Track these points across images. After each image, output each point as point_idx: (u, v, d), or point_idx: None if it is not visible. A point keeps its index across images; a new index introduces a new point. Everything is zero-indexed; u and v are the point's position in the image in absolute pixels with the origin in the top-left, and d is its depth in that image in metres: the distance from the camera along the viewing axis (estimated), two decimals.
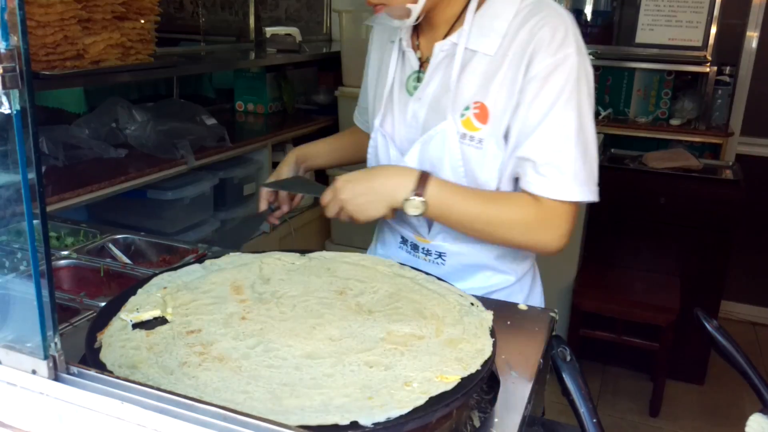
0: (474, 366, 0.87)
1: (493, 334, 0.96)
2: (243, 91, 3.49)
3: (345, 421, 0.73)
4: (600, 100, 3.88)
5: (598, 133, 3.78)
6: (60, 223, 1.64)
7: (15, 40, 0.64)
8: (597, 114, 3.77)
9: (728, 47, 3.54)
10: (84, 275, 1.42)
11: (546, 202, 1.16)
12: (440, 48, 1.21)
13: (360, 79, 1.53)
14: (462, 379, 0.84)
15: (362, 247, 1.54)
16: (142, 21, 2.40)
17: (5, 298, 0.77)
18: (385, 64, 1.33)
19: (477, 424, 0.90)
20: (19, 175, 0.68)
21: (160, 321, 0.96)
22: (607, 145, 3.61)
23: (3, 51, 0.64)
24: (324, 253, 1.24)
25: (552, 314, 1.21)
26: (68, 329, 1.13)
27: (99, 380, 0.71)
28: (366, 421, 0.74)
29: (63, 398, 0.70)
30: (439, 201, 1.17)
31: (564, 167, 1.14)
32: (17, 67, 0.65)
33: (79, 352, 0.92)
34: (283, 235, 2.97)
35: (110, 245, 1.54)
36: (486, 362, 0.88)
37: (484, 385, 0.95)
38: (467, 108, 1.19)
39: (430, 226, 1.31)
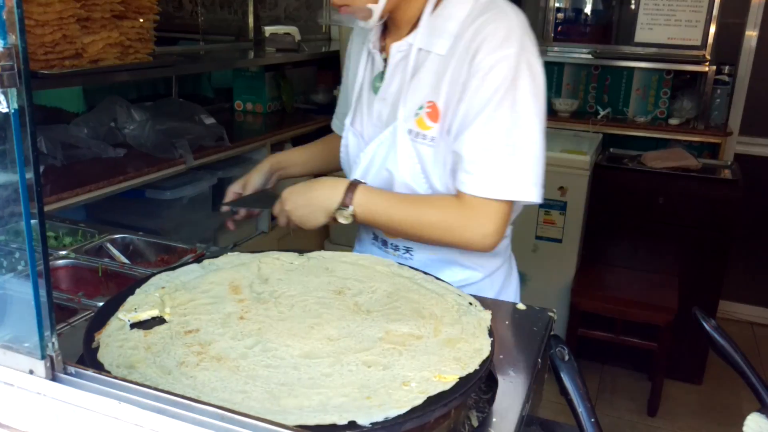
0: (472, 366, 0.87)
1: (491, 333, 0.96)
2: (242, 90, 3.49)
3: (343, 421, 0.73)
4: (599, 99, 3.88)
5: (597, 132, 3.79)
6: (58, 223, 1.63)
7: (13, 38, 0.64)
8: (596, 113, 3.77)
9: (727, 47, 3.54)
10: (82, 275, 1.42)
11: (469, 201, 1.17)
12: (397, 48, 1.25)
13: None
14: (460, 378, 0.84)
15: None
16: (141, 20, 2.40)
17: (3, 298, 0.77)
18: (357, 66, 1.38)
19: (475, 423, 0.90)
20: (17, 175, 0.68)
21: (158, 321, 0.96)
22: (605, 144, 3.61)
23: (1, 49, 0.64)
24: (322, 253, 1.24)
25: (550, 314, 1.21)
26: (66, 329, 1.13)
27: (96, 380, 0.71)
28: (364, 420, 0.74)
29: (60, 398, 0.70)
30: (366, 209, 1.22)
31: (489, 165, 1.15)
32: (15, 66, 0.64)
33: (77, 352, 0.92)
34: (281, 234, 2.97)
35: (108, 245, 1.54)
36: (484, 362, 0.88)
37: (482, 384, 0.95)
38: (421, 107, 1.22)
39: None
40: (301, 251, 1.24)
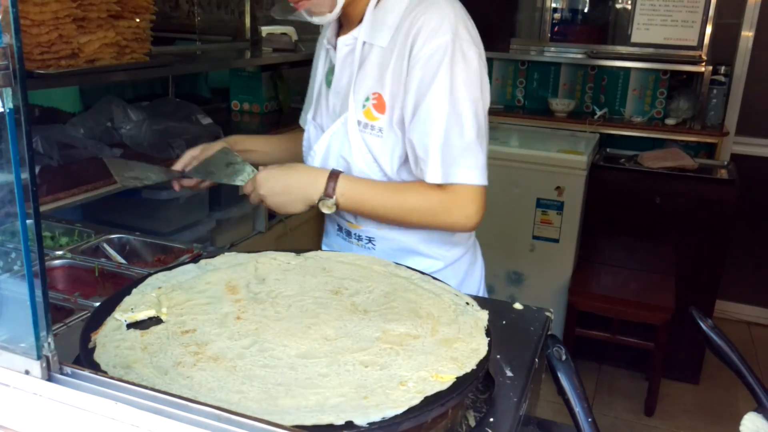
0: (469, 365, 0.87)
1: (488, 333, 0.96)
2: (239, 90, 3.48)
3: (340, 421, 0.73)
4: (596, 99, 3.89)
5: (594, 132, 3.80)
6: (54, 223, 1.63)
7: (8, 38, 0.64)
8: (592, 113, 3.78)
9: (723, 47, 3.55)
10: (78, 275, 1.42)
11: (448, 187, 1.21)
12: (344, 42, 1.30)
13: None
14: (457, 378, 0.84)
15: None
16: (138, 20, 2.39)
17: None
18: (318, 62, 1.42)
19: (472, 423, 0.90)
20: (12, 175, 0.68)
21: (155, 321, 0.96)
22: (602, 144, 3.62)
23: None
24: (320, 253, 1.24)
25: (547, 314, 1.21)
26: (62, 329, 1.12)
27: (93, 380, 0.71)
28: (361, 420, 0.74)
29: (57, 399, 0.70)
30: (350, 198, 1.25)
31: (434, 152, 1.19)
32: (10, 65, 0.64)
33: (73, 353, 0.92)
34: (278, 234, 2.96)
35: (105, 245, 1.53)
36: (481, 362, 0.88)
37: (479, 384, 0.95)
38: (367, 99, 1.26)
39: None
40: (298, 251, 1.23)
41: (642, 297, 2.99)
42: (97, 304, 1.04)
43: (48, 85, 2.28)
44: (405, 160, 1.28)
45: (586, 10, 4.25)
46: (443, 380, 0.83)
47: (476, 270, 1.47)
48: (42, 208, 1.84)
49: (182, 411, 0.66)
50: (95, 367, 0.82)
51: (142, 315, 0.97)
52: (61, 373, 0.72)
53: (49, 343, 0.71)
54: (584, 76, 3.89)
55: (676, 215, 3.14)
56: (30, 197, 0.68)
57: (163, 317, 0.97)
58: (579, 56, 3.89)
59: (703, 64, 3.47)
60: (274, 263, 1.17)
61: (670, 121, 3.63)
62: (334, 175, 1.25)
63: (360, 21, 1.27)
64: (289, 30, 3.59)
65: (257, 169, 1.34)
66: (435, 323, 0.98)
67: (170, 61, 2.75)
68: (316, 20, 1.25)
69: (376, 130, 1.26)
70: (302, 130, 1.58)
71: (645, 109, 3.78)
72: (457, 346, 0.91)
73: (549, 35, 4.04)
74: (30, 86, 1.95)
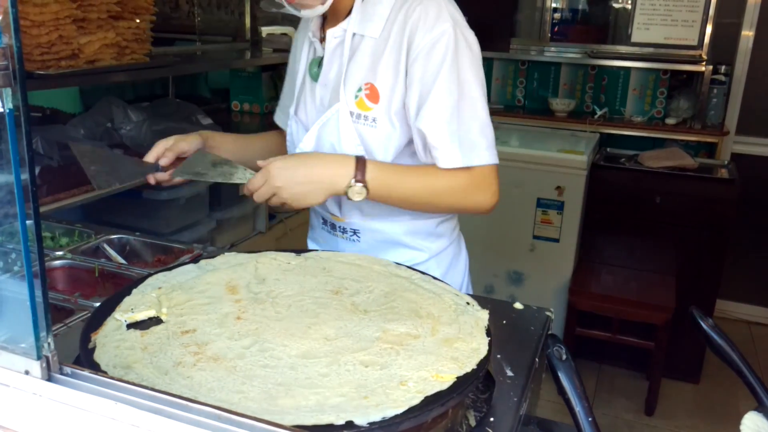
0: (470, 365, 0.87)
1: (488, 333, 0.96)
2: (239, 90, 3.49)
3: (340, 421, 0.73)
4: (596, 99, 3.88)
5: (594, 132, 3.80)
6: (55, 224, 1.63)
7: (8, 38, 0.64)
8: (593, 113, 3.78)
9: (723, 46, 3.55)
10: (78, 275, 1.42)
11: (468, 168, 1.22)
12: (333, 34, 1.30)
13: None
14: (458, 378, 0.84)
15: None
16: (138, 20, 2.39)
17: None
18: (300, 57, 1.41)
19: (473, 423, 0.90)
20: (12, 175, 0.68)
21: (155, 321, 0.96)
22: (602, 144, 3.62)
23: None
24: (320, 253, 1.24)
25: (548, 313, 1.21)
26: (62, 329, 1.12)
27: (92, 380, 0.71)
28: (361, 420, 0.74)
29: (57, 399, 0.70)
30: (380, 183, 1.21)
31: (448, 137, 1.20)
32: (10, 66, 0.64)
33: (73, 353, 0.92)
34: (279, 234, 2.96)
35: (105, 245, 1.53)
36: (482, 361, 0.88)
37: (479, 384, 0.95)
38: (360, 89, 1.26)
39: (340, 205, 1.37)
40: (298, 251, 1.23)
41: (642, 296, 2.99)
42: (97, 304, 1.04)
43: (48, 86, 2.28)
44: (401, 151, 1.28)
45: (586, 10, 4.25)
46: (443, 380, 0.83)
47: (460, 262, 1.48)
48: (42, 209, 1.84)
49: (182, 411, 0.66)
50: (95, 368, 0.82)
51: (142, 315, 0.97)
52: (61, 374, 0.72)
53: (49, 344, 0.71)
54: (584, 76, 3.89)
55: (676, 215, 3.14)
56: (30, 198, 0.68)
57: (163, 317, 0.97)
58: (579, 56, 3.89)
59: (704, 63, 3.47)
60: (274, 263, 1.17)
61: (670, 121, 3.63)
62: (360, 160, 1.21)
63: (347, 13, 1.28)
64: (289, 30, 3.58)
65: (251, 170, 1.27)
66: (435, 323, 0.98)
67: (170, 62, 2.74)
68: (305, 14, 1.25)
69: (369, 121, 1.26)
70: (274, 132, 1.58)
71: (645, 109, 3.78)
72: (457, 346, 0.91)
73: (549, 35, 4.04)
74: (30, 87, 1.95)
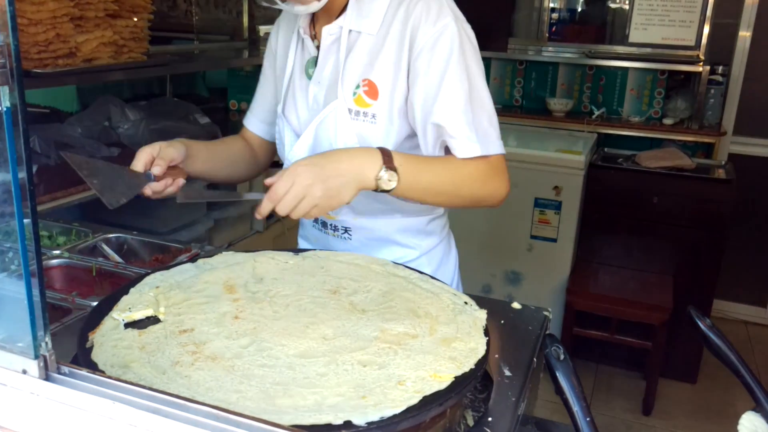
0: (468, 365, 0.87)
1: (486, 332, 0.96)
2: (236, 89, 3.48)
3: (338, 421, 0.73)
4: (593, 99, 3.89)
5: (591, 132, 3.80)
6: (52, 222, 1.63)
7: (5, 36, 0.64)
8: (590, 113, 3.78)
9: (721, 47, 3.56)
10: (76, 274, 1.41)
11: (483, 157, 1.21)
12: (328, 32, 1.28)
13: None
14: (456, 378, 0.83)
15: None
16: (135, 19, 2.39)
17: None
18: (286, 54, 1.38)
19: (471, 423, 0.90)
20: (9, 174, 0.67)
21: (153, 320, 0.96)
22: (600, 144, 3.62)
23: None
24: (318, 252, 1.24)
25: (545, 313, 1.21)
26: (60, 329, 1.12)
27: (90, 380, 0.71)
28: (359, 420, 0.74)
29: (54, 398, 0.70)
30: (408, 170, 1.15)
31: (465, 127, 1.20)
32: (7, 64, 0.64)
33: (70, 352, 0.92)
34: (276, 234, 2.96)
35: (102, 244, 1.53)
36: (480, 361, 0.88)
37: (477, 384, 0.95)
38: (357, 86, 1.25)
39: None
40: (296, 250, 1.23)
41: (640, 296, 2.99)
42: (95, 303, 1.03)
43: (45, 84, 2.28)
44: (398, 147, 1.26)
45: (583, 10, 4.25)
46: (441, 380, 0.83)
47: (450, 259, 1.48)
48: (39, 208, 1.84)
49: (180, 410, 0.66)
50: (93, 367, 0.82)
51: (139, 314, 0.97)
52: (59, 373, 0.72)
53: (46, 343, 0.70)
54: (582, 76, 3.89)
55: (673, 215, 3.14)
56: (27, 196, 0.67)
57: (160, 317, 0.97)
58: (577, 56, 3.89)
59: (701, 63, 3.47)
60: (272, 262, 1.17)
61: (667, 121, 3.63)
62: (383, 149, 1.16)
63: (340, 10, 1.27)
64: None
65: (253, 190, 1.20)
66: (433, 322, 0.98)
67: (168, 61, 2.74)
68: (298, 10, 1.23)
69: (369, 117, 1.25)
70: (235, 137, 1.51)
71: (643, 109, 3.79)
72: (455, 346, 0.91)
73: (547, 35, 4.04)
74: (27, 85, 1.94)
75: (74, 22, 2.12)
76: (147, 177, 1.20)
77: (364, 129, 1.26)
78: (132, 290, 1.04)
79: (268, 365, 0.85)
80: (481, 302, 1.07)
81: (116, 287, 1.07)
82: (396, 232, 1.37)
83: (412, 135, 1.26)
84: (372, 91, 1.25)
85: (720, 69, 3.49)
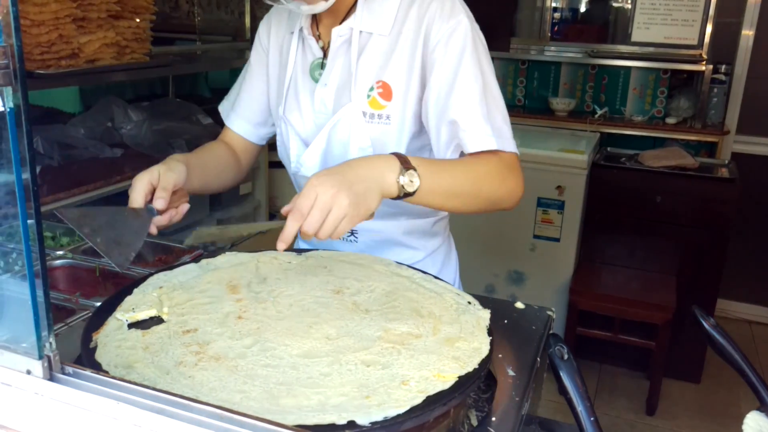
0: (471, 364, 0.87)
1: (490, 332, 0.96)
2: None
3: (342, 421, 0.73)
4: (596, 98, 3.88)
5: (594, 131, 3.79)
6: (55, 223, 1.63)
7: (8, 37, 0.64)
8: (593, 112, 3.78)
9: (724, 46, 3.55)
10: (79, 275, 1.42)
11: (498, 153, 1.18)
12: (338, 33, 1.26)
13: None
14: (459, 377, 0.83)
15: None
16: (138, 20, 2.39)
17: (0, 299, 0.76)
18: (286, 56, 1.34)
19: (474, 422, 0.90)
20: (13, 175, 0.67)
21: (156, 321, 0.96)
22: (603, 143, 3.62)
23: None
24: (321, 252, 1.24)
25: (549, 313, 1.21)
26: (64, 329, 1.12)
27: (94, 380, 0.71)
28: (363, 420, 0.74)
29: (58, 398, 0.70)
30: (427, 170, 1.08)
31: (481, 121, 1.17)
32: (10, 65, 0.64)
33: (74, 352, 0.92)
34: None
35: None
36: (483, 361, 0.88)
37: (481, 383, 0.95)
38: (371, 89, 1.24)
39: None
40: (299, 250, 1.23)
41: (643, 296, 2.99)
42: (99, 303, 1.03)
43: (48, 85, 2.28)
44: (412, 152, 1.24)
45: (586, 10, 4.25)
46: (445, 379, 0.83)
47: (452, 259, 1.49)
48: (42, 209, 1.84)
49: (184, 411, 0.66)
50: (97, 367, 0.82)
51: (143, 315, 0.97)
52: (63, 373, 0.72)
53: (50, 343, 0.70)
54: (585, 76, 3.89)
55: (677, 214, 3.14)
56: (31, 197, 0.68)
57: (164, 317, 0.97)
58: (579, 55, 3.89)
59: (704, 62, 3.47)
60: (275, 263, 1.17)
61: (670, 120, 3.62)
62: (397, 154, 1.09)
63: (347, 11, 1.25)
64: None
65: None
66: (437, 322, 0.97)
67: (170, 61, 2.75)
68: (305, 9, 1.20)
69: (384, 119, 1.23)
70: (217, 144, 1.43)
71: (645, 108, 3.78)
72: (458, 345, 0.91)
73: (549, 34, 4.04)
74: (30, 86, 1.95)
75: (77, 23, 2.12)
76: (149, 213, 1.10)
77: (379, 130, 1.24)
78: (135, 291, 1.05)
79: (272, 365, 0.85)
80: (484, 302, 1.07)
81: (120, 288, 1.08)
82: (402, 234, 1.36)
83: (420, 134, 1.25)
84: (386, 92, 1.23)
85: (723, 68, 3.48)
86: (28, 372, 0.71)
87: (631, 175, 3.21)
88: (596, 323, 3.04)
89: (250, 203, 3.02)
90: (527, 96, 4.04)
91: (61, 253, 1.44)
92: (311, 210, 0.97)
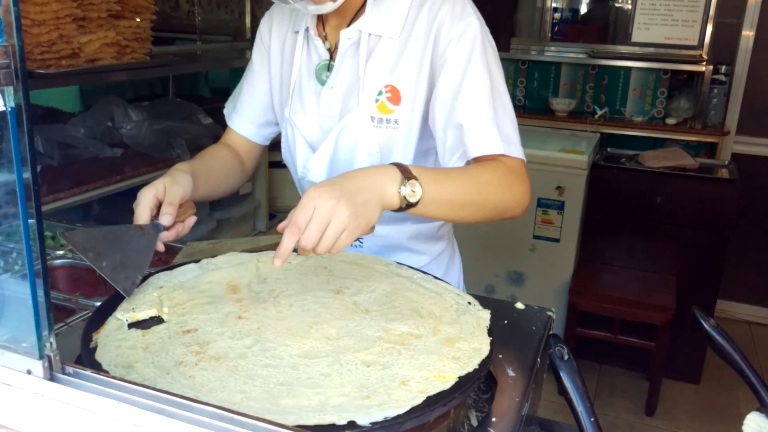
0: (471, 365, 0.87)
1: (490, 333, 0.96)
2: None
3: (342, 421, 0.73)
4: (596, 99, 3.88)
5: (594, 131, 3.79)
6: (55, 223, 1.63)
7: (9, 37, 0.64)
8: (593, 113, 3.78)
9: (724, 46, 3.55)
10: (80, 275, 1.42)
11: (504, 159, 1.16)
12: (346, 35, 1.23)
13: None
14: (459, 378, 0.83)
15: None
16: (138, 19, 2.39)
17: (0, 298, 0.76)
18: (289, 55, 1.32)
19: (474, 423, 0.90)
20: (14, 174, 0.67)
21: (156, 321, 0.96)
22: (603, 144, 3.62)
23: None
24: None
25: (549, 313, 1.21)
26: (64, 329, 1.12)
27: (95, 380, 0.71)
28: (363, 420, 0.74)
29: (58, 398, 0.70)
30: (429, 179, 1.03)
31: (487, 125, 1.15)
32: (12, 65, 0.64)
33: (75, 352, 0.92)
34: (279, 234, 2.96)
35: None
36: (483, 361, 0.88)
37: (481, 384, 0.95)
38: (380, 93, 1.22)
39: None
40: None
41: (643, 297, 2.99)
42: (99, 303, 1.03)
43: (48, 85, 2.28)
44: (418, 155, 1.23)
45: (586, 10, 4.25)
46: (445, 380, 0.83)
47: (456, 261, 1.48)
48: (43, 208, 1.84)
49: (184, 411, 0.66)
50: (97, 367, 0.82)
51: (143, 315, 0.97)
52: (63, 373, 0.72)
53: (51, 343, 0.70)
54: (585, 76, 3.89)
55: (676, 215, 3.14)
56: (32, 196, 0.68)
57: (164, 317, 0.97)
58: (579, 56, 3.89)
59: (704, 63, 3.47)
60: None
61: (670, 121, 3.63)
62: (397, 164, 1.04)
63: (355, 13, 1.22)
64: None
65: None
66: (437, 323, 0.97)
67: (170, 61, 2.75)
68: (312, 9, 1.16)
69: (392, 123, 1.22)
70: (218, 147, 1.41)
71: (646, 109, 3.78)
72: (459, 346, 0.91)
73: (549, 35, 4.04)
74: (30, 86, 1.95)
75: (77, 23, 2.12)
76: (156, 229, 1.08)
77: (387, 135, 1.22)
78: (135, 290, 1.04)
79: (272, 365, 0.85)
80: (484, 302, 1.07)
81: None
82: (407, 239, 1.35)
83: (427, 137, 1.24)
84: (395, 96, 1.21)
85: (723, 68, 3.48)
86: (29, 372, 0.71)
87: (631, 176, 3.21)
88: (596, 324, 3.04)
89: (250, 203, 3.03)
90: (527, 96, 4.04)
91: (61, 252, 1.44)
92: (309, 223, 0.92)
